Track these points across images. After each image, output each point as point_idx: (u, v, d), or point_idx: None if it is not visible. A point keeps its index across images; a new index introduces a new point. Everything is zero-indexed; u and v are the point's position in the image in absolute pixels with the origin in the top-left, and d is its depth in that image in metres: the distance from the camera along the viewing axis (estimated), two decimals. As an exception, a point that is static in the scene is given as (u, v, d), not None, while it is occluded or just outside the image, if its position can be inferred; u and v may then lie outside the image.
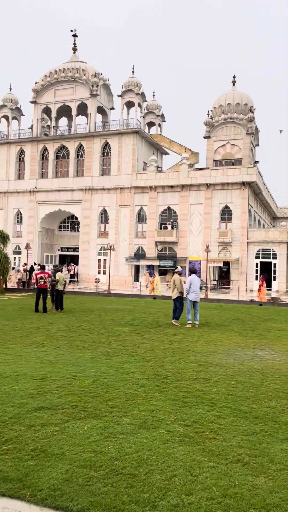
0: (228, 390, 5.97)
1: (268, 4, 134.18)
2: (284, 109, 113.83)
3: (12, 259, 36.99)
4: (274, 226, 50.94)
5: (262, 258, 33.59)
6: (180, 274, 14.16)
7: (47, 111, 42.05)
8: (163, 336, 10.83)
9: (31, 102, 41.56)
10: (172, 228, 36.08)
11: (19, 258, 40.46)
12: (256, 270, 33.59)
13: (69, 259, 42.47)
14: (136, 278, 36.27)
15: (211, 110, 39.11)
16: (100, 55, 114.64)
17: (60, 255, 43.40)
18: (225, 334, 11.49)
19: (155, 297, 25.62)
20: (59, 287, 16.33)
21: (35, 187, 41.11)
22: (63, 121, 44.87)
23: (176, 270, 14.40)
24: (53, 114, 41.15)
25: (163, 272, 35.73)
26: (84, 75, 39.66)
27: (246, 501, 3.16)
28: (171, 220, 36.47)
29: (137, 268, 37.16)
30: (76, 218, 40.87)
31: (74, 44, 43.12)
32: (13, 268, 31.73)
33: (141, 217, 37.74)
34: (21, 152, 42.52)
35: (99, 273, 38.21)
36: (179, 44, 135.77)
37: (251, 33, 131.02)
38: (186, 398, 5.54)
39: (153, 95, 45.83)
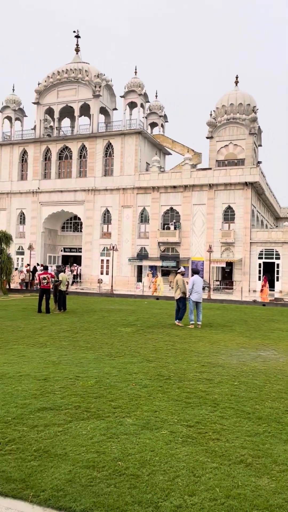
0: (231, 390, 5.96)
1: (268, 4, 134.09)
2: (284, 109, 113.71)
3: (15, 260, 37.12)
4: (277, 226, 50.83)
5: (265, 258, 33.52)
6: (183, 274, 14.15)
7: (50, 112, 42.13)
8: (166, 336, 10.83)
9: (34, 103, 41.65)
10: (175, 228, 36.06)
11: (22, 258, 40.55)
12: (259, 271, 33.52)
13: (72, 259, 42.52)
14: (139, 279, 36.27)
15: (213, 111, 39.07)
16: (100, 55, 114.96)
17: (63, 256, 43.46)
18: (228, 334, 11.47)
19: (158, 298, 25.62)
20: (62, 287, 16.36)
21: (38, 188, 41.19)
22: (66, 122, 44.96)
23: (179, 271, 14.39)
24: (56, 115, 41.22)
25: (166, 273, 35.71)
26: (87, 76, 39.72)
27: (249, 502, 3.15)
28: (174, 221, 36.46)
29: (140, 269, 37.16)
30: (79, 218, 40.92)
31: (77, 45, 43.18)
32: (16, 269, 31.80)
33: (143, 218, 37.74)
34: (24, 153, 42.61)
35: (102, 273, 38.24)
36: (180, 44, 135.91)
37: (251, 33, 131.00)
38: (189, 398, 5.54)
39: (156, 96, 45.86)
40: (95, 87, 39.28)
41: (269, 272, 33.15)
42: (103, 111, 41.40)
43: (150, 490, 3.27)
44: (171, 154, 44.09)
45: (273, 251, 33.29)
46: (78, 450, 3.94)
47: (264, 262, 33.54)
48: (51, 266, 32.28)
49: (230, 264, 34.53)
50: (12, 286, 29.33)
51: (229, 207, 34.64)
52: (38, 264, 33.77)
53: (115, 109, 42.84)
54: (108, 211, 38.82)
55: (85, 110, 40.71)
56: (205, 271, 33.14)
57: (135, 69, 40.01)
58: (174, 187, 36.25)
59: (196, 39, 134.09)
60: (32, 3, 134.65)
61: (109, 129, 39.96)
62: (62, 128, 43.20)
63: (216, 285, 34.01)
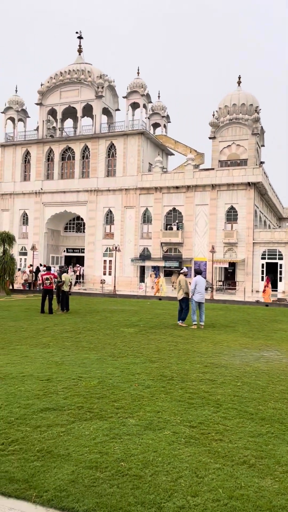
0: (234, 391, 5.95)
1: (268, 4, 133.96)
2: (284, 109, 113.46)
3: (18, 260, 37.18)
4: (280, 226, 50.73)
5: (268, 259, 33.46)
6: (185, 275, 14.14)
7: (52, 112, 42.20)
8: (169, 337, 10.82)
9: (37, 104, 41.74)
10: (178, 229, 36.05)
11: (25, 259, 40.63)
12: (262, 271, 33.47)
13: (75, 260, 42.58)
14: (142, 279, 36.28)
15: (216, 111, 39.07)
16: (100, 55, 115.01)
17: (65, 256, 43.52)
18: (231, 335, 11.46)
19: (161, 298, 25.61)
20: (65, 288, 16.37)
21: (41, 189, 41.27)
22: (69, 122, 45.03)
23: (181, 271, 14.39)
24: (59, 116, 41.29)
25: (168, 273, 35.70)
26: (90, 76, 39.78)
27: (252, 503, 3.15)
28: (177, 221, 36.45)
29: (142, 269, 37.17)
30: (82, 219, 40.97)
31: (79, 46, 43.26)
32: (19, 269, 31.87)
33: (146, 218, 37.75)
34: (27, 153, 42.71)
35: (104, 274, 38.26)
36: (180, 44, 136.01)
37: (251, 33, 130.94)
38: (191, 399, 5.53)
39: (158, 96, 45.92)
40: (98, 87, 39.33)
41: (272, 273, 33.07)
42: (106, 111, 41.45)
43: (153, 490, 3.27)
44: (173, 155, 44.10)
45: (276, 252, 33.23)
46: (81, 450, 3.94)
47: (267, 263, 33.48)
48: (54, 267, 32.34)
49: (233, 265, 34.49)
50: (15, 286, 29.38)
51: (232, 208, 34.60)
52: (41, 265, 33.82)
53: (118, 109, 42.88)
54: (110, 211, 38.85)
55: (87, 110, 40.76)
56: (208, 272, 33.11)
57: (138, 70, 40.05)
58: (177, 187, 36.24)
59: (196, 39, 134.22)
60: (32, 3, 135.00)
61: (111, 129, 40.00)
62: (65, 128, 43.27)
63: (219, 286, 33.96)
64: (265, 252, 33.51)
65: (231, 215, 34.66)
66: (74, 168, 40.51)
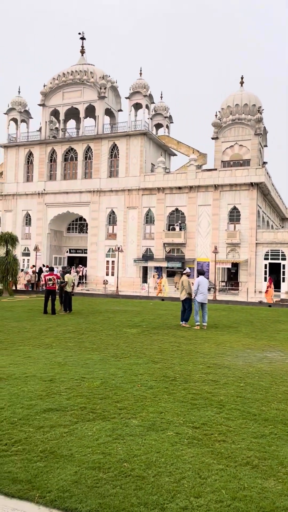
0: (237, 392, 5.94)
1: (268, 4, 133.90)
2: (284, 109, 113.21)
3: (21, 261, 37.27)
4: (283, 227, 50.63)
5: (271, 259, 33.39)
6: (188, 275, 14.13)
7: (55, 113, 42.26)
8: (172, 337, 10.82)
9: (40, 105, 41.82)
10: (180, 229, 36.03)
11: (28, 260, 40.69)
12: (265, 272, 33.39)
13: (78, 260, 42.61)
14: (144, 280, 36.27)
15: (219, 111, 39.03)
16: (101, 55, 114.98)
17: (68, 257, 43.56)
18: (234, 335, 11.44)
19: (163, 299, 25.60)
20: (68, 288, 16.39)
21: (44, 189, 41.34)
22: (71, 123, 45.09)
23: (184, 272, 14.38)
24: (61, 117, 41.35)
25: (171, 274, 35.68)
26: (92, 77, 39.83)
27: (256, 504, 3.14)
28: (179, 222, 36.42)
29: (145, 270, 37.16)
30: (84, 220, 41.01)
31: (82, 46, 43.30)
32: (22, 270, 31.93)
33: (149, 219, 37.74)
34: (30, 154, 42.79)
35: (107, 274, 38.27)
36: (180, 44, 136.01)
37: (251, 33, 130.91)
38: (194, 400, 5.53)
39: (161, 97, 45.91)
40: (100, 88, 39.38)
41: (275, 273, 33.00)
42: (108, 112, 41.49)
43: (156, 491, 3.27)
44: (176, 155, 44.10)
45: (279, 252, 33.16)
46: (84, 451, 3.94)
47: (270, 263, 33.41)
48: (57, 267, 32.39)
49: (235, 265, 34.44)
50: (18, 287, 29.44)
51: (235, 208, 34.56)
52: (43, 265, 33.88)
53: (120, 110, 42.91)
54: (113, 212, 38.87)
55: (90, 111, 40.81)
56: (211, 272, 33.08)
57: (140, 71, 40.06)
58: (180, 188, 36.22)
59: (196, 39, 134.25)
60: (32, 3, 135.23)
61: (114, 130, 40.03)
62: (68, 129, 43.33)
63: (221, 286, 33.92)
64: (268, 252, 33.44)
65: (234, 216, 34.62)
66: (77, 168, 40.56)
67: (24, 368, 7.06)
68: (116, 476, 3.50)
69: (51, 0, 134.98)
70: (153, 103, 41.30)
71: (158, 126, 44.94)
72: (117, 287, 30.26)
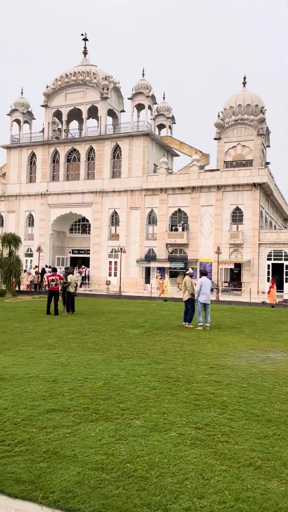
0: (240, 393, 5.93)
1: (268, 4, 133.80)
2: (285, 109, 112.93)
3: (24, 262, 37.31)
4: (286, 227, 50.53)
5: (274, 259, 33.34)
6: (191, 276, 14.13)
7: (58, 114, 42.35)
8: (174, 338, 10.81)
9: (42, 106, 41.91)
10: (183, 230, 36.01)
11: (31, 260, 40.76)
12: (268, 272, 33.34)
13: (80, 261, 42.66)
14: (147, 280, 36.27)
15: (221, 112, 39.01)
16: (101, 55, 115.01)
17: (71, 258, 43.62)
18: (237, 336, 11.42)
19: (166, 299, 25.59)
20: (71, 289, 16.41)
21: (47, 190, 41.42)
22: (74, 124, 45.17)
23: (187, 272, 14.37)
24: (64, 118, 41.43)
25: (174, 274, 35.67)
26: (95, 78, 39.89)
27: (259, 505, 3.14)
28: (182, 222, 36.42)
29: (147, 270, 37.17)
30: (87, 220, 41.05)
31: (85, 47, 43.38)
32: (25, 271, 31.99)
33: (151, 219, 37.75)
34: (33, 155, 42.88)
35: (110, 275, 38.30)
36: (180, 44, 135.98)
37: (251, 33, 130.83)
38: (197, 400, 5.52)
39: (163, 97, 45.91)
40: (103, 89, 39.42)
41: (278, 274, 32.94)
42: (111, 113, 41.53)
43: (159, 492, 3.27)
44: (179, 156, 44.08)
45: (282, 252, 33.10)
46: (87, 451, 3.94)
47: (273, 264, 33.35)
48: (60, 268, 32.43)
49: (238, 266, 34.40)
50: (21, 288, 29.49)
51: (237, 208, 34.52)
52: (46, 266, 33.93)
53: (123, 111, 42.95)
54: (116, 212, 38.90)
55: (93, 112, 40.86)
56: (213, 273, 33.04)
57: (143, 71, 40.09)
58: (182, 188, 36.21)
59: (196, 39, 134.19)
60: (32, 3, 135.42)
61: (117, 131, 40.07)
62: (70, 130, 43.40)
63: (224, 287, 33.88)
64: (271, 253, 33.38)
65: (237, 216, 34.58)
66: (80, 169, 40.61)
67: (27, 369, 7.07)
68: (119, 476, 3.50)
69: (51, 0, 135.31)
70: (156, 103, 41.32)
71: (161, 126, 44.96)
72: (120, 287, 30.27)
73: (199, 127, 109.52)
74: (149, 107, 39.46)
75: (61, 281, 16.65)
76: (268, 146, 40.48)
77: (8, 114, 44.24)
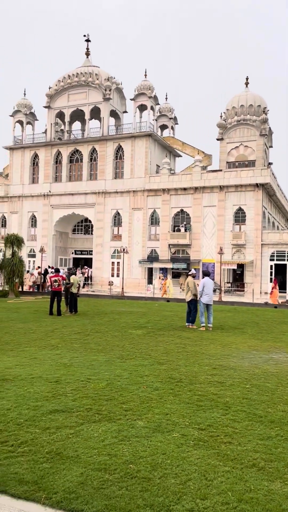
0: (243, 393, 5.93)
1: (269, 4, 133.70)
2: (285, 109, 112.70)
3: (27, 263, 37.39)
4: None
5: (277, 260, 33.27)
6: (194, 276, 14.12)
7: (60, 115, 42.42)
8: (177, 339, 10.81)
9: (45, 107, 41.98)
10: (185, 230, 35.99)
11: (34, 261, 40.82)
12: (271, 273, 33.27)
13: (83, 262, 42.69)
14: (150, 281, 36.26)
15: (224, 112, 38.99)
16: (101, 56, 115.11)
17: (74, 258, 43.66)
18: (240, 337, 11.41)
19: (169, 300, 25.58)
20: (73, 290, 16.43)
21: (49, 191, 41.48)
22: (77, 125, 45.23)
23: (190, 273, 14.37)
24: (67, 119, 41.49)
25: (176, 275, 35.65)
26: (97, 79, 39.94)
27: (262, 506, 3.13)
28: (184, 223, 36.40)
29: (150, 271, 37.16)
30: (90, 221, 41.09)
31: (87, 48, 43.45)
32: (28, 271, 32.04)
33: (154, 220, 37.75)
34: (35, 156, 42.96)
35: (112, 276, 38.32)
36: (181, 45, 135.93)
37: (251, 33, 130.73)
38: (200, 401, 5.52)
39: (166, 98, 45.91)
40: (105, 90, 39.47)
41: (280, 274, 32.86)
42: (113, 114, 41.57)
43: (161, 493, 3.27)
44: (181, 156, 44.06)
45: (284, 253, 33.03)
46: (89, 452, 3.95)
47: (275, 264, 33.29)
48: (63, 269, 32.46)
49: (241, 266, 34.34)
50: (24, 288, 29.53)
51: (240, 209, 34.48)
52: (49, 267, 33.96)
53: (125, 111, 42.99)
54: (118, 213, 38.93)
55: (95, 113, 40.92)
56: (216, 273, 33.01)
57: (145, 72, 40.10)
58: (185, 189, 36.20)
59: (196, 39, 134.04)
60: (32, 3, 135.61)
61: (119, 132, 40.10)
62: (73, 131, 43.46)
63: (227, 287, 33.84)
64: (274, 253, 33.32)
65: (239, 217, 34.53)
66: (82, 170, 40.66)
67: (30, 369, 7.08)
68: (122, 477, 3.50)
69: (51, 0, 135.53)
70: (158, 104, 41.33)
71: (163, 127, 44.96)
72: (123, 288, 30.28)
73: (200, 127, 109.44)
74: (152, 108, 39.47)
75: (64, 281, 16.67)
76: (271, 146, 40.43)
77: (11, 115, 44.34)
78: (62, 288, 16.50)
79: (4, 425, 4.62)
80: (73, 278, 16.73)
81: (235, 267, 34.32)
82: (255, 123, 36.90)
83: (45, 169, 42.04)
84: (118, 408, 5.17)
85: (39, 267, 33.49)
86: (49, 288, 19.71)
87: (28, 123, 44.35)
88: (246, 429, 4.62)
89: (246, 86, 39.81)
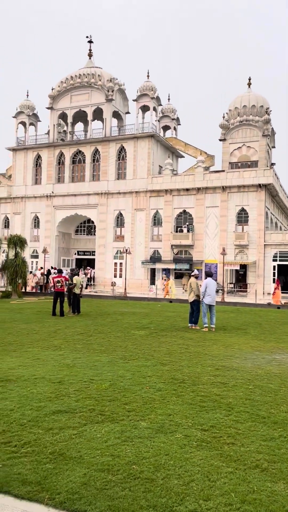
0: (246, 394, 5.92)
1: (269, 4, 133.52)
2: (285, 109, 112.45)
3: (30, 263, 37.45)
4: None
5: (280, 260, 33.20)
6: (196, 277, 14.12)
7: (63, 116, 42.51)
8: (180, 339, 10.80)
9: (48, 108, 42.08)
10: (188, 231, 35.98)
11: (37, 262, 40.90)
12: (274, 273, 33.21)
13: (86, 262, 42.73)
14: (152, 282, 36.27)
15: (226, 113, 38.96)
16: (102, 56, 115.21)
17: (76, 259, 43.71)
18: (242, 338, 11.39)
19: (171, 301, 25.57)
20: (76, 290, 16.45)
21: (52, 192, 41.56)
22: (79, 126, 45.30)
23: (192, 274, 14.37)
24: (69, 120, 41.57)
25: (179, 275, 35.64)
26: (100, 80, 40.00)
27: (265, 507, 3.13)
28: (187, 223, 36.38)
29: (153, 272, 37.16)
30: (92, 222, 41.14)
31: (90, 50, 43.52)
32: (31, 272, 32.11)
33: (156, 221, 37.76)
34: (38, 157, 43.05)
35: (115, 276, 38.34)
36: (181, 45, 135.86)
37: (251, 33, 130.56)
38: (203, 402, 5.52)
39: (168, 99, 45.91)
40: (108, 91, 39.53)
41: (283, 275, 32.80)
42: (116, 115, 41.62)
43: (165, 494, 3.27)
44: (183, 157, 44.07)
45: (287, 254, 32.96)
46: (93, 453, 3.95)
47: (278, 265, 33.23)
48: (66, 270, 32.50)
49: (244, 267, 34.29)
50: (27, 289, 29.57)
51: (243, 209, 34.43)
52: (52, 267, 34.02)
53: (128, 112, 43.03)
54: (121, 214, 38.95)
55: (98, 114, 40.98)
56: (219, 274, 32.96)
57: (148, 73, 40.16)
58: (187, 189, 36.20)
59: (196, 39, 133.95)
60: (32, 3, 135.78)
61: (122, 132, 40.14)
62: (76, 132, 43.54)
63: (230, 288, 33.79)
64: (277, 254, 33.25)
65: (242, 217, 34.49)
66: (85, 171, 40.72)
67: (33, 370, 7.09)
68: (125, 478, 3.50)
69: (51, 0, 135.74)
70: (161, 105, 41.35)
71: (166, 128, 44.98)
72: (125, 289, 30.29)
73: (201, 127, 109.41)
74: (154, 109, 39.49)
75: (67, 282, 16.69)
76: (273, 147, 40.37)
77: (14, 117, 44.46)
78: (65, 289, 16.52)
79: (7, 425, 4.63)
80: (75, 279, 16.75)
81: (238, 268, 34.28)
82: (257, 124, 36.86)
83: (48, 170, 42.13)
84: (121, 409, 5.17)
85: (41, 267, 33.53)
86: (52, 289, 19.74)
87: (31, 124, 44.46)
88: (249, 430, 4.62)
89: (249, 86, 39.78)
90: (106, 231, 39.27)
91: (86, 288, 32.38)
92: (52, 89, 41.88)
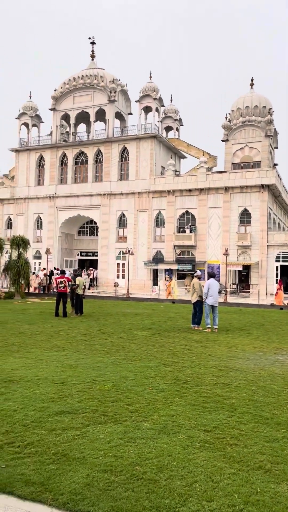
0: (248, 395, 5.91)
1: (269, 5, 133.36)
2: (285, 109, 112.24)
3: (33, 264, 37.51)
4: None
5: (283, 261, 33.13)
6: (199, 278, 14.10)
7: (66, 117, 42.59)
8: (183, 340, 10.80)
9: (51, 109, 42.17)
10: (191, 232, 35.96)
11: (39, 263, 40.97)
12: (277, 274, 33.14)
13: (88, 263, 42.78)
14: (155, 282, 36.26)
15: (229, 113, 38.93)
16: (102, 57, 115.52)
17: (79, 260, 43.76)
18: (245, 338, 11.38)
19: (174, 301, 25.56)
20: (79, 291, 16.47)
21: (55, 193, 41.63)
22: (82, 127, 45.37)
23: (195, 274, 14.36)
24: (72, 121, 41.64)
25: (181, 276, 35.61)
26: (102, 81, 40.06)
27: (268, 508, 3.12)
28: (190, 224, 36.36)
29: (155, 272, 37.15)
30: (95, 223, 41.18)
31: (92, 51, 43.59)
32: (34, 273, 32.16)
33: (159, 221, 37.76)
34: (41, 158, 43.14)
35: (118, 277, 38.35)
36: (183, 45, 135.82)
37: (251, 33, 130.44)
38: (206, 403, 5.51)
39: (171, 100, 45.96)
40: (110, 92, 39.58)
41: (286, 275, 32.71)
42: (119, 116, 41.67)
43: (168, 495, 3.27)
44: (186, 158, 44.06)
45: (290, 254, 32.88)
46: (95, 454, 3.96)
47: (281, 265, 33.16)
48: (68, 270, 32.53)
49: (246, 267, 34.24)
50: (30, 290, 29.63)
51: (245, 210, 34.39)
52: (55, 268, 34.06)
53: (130, 113, 43.06)
54: (123, 215, 38.97)
55: (100, 115, 41.03)
56: (222, 275, 32.92)
57: (150, 74, 40.16)
58: (190, 190, 36.18)
59: (195, 39, 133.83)
60: (32, 3, 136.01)
61: (124, 133, 40.17)
62: (78, 133, 43.60)
63: (232, 289, 33.74)
64: (279, 254, 33.19)
65: (245, 218, 34.44)
66: (87, 172, 40.77)
67: (36, 371, 7.11)
68: (128, 479, 3.50)
69: (51, 0, 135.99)
70: (163, 106, 41.34)
71: (168, 129, 44.99)
72: (128, 289, 30.30)
73: (202, 127, 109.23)
74: (157, 110, 39.50)
75: (70, 283, 16.72)
76: (276, 147, 40.32)
77: (16, 118, 44.57)
78: (68, 290, 16.54)
79: (10, 426, 4.64)
80: (78, 280, 16.77)
81: (241, 268, 34.22)
82: (260, 124, 36.82)
83: (50, 171, 42.21)
84: (124, 410, 5.17)
85: (44, 268, 33.59)
86: (55, 290, 19.77)
87: (33, 125, 44.57)
88: (252, 431, 4.61)
89: (251, 87, 39.73)
90: (109, 232, 39.29)
91: (88, 289, 32.41)
92: (55, 91, 41.97)
